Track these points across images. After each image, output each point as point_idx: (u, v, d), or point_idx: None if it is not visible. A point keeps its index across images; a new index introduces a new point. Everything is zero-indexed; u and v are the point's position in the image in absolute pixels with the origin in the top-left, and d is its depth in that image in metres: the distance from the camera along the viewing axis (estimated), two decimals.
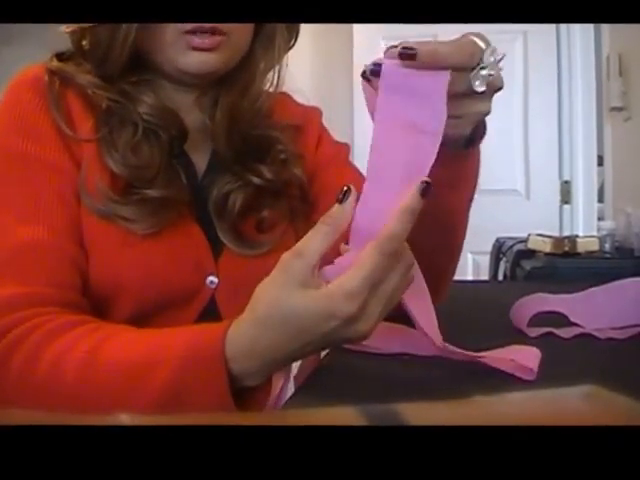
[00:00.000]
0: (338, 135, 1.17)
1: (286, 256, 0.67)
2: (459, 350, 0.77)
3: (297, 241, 1.01)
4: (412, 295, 0.73)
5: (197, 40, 0.88)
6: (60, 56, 0.94)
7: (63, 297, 0.81)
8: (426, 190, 0.67)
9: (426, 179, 0.67)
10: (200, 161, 0.98)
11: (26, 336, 0.74)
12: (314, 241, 0.67)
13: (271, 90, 1.01)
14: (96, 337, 0.74)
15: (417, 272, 0.74)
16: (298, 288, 0.66)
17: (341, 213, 0.69)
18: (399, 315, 0.76)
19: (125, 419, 0.23)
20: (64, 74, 0.91)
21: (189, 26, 0.87)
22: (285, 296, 0.66)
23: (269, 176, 0.96)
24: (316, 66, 3.92)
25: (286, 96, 1.10)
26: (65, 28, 0.92)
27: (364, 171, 1.11)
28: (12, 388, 0.74)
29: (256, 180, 0.96)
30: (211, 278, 0.93)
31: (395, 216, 0.66)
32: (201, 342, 0.70)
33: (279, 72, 1.01)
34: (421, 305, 0.76)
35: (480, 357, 0.76)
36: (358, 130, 3.77)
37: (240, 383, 0.70)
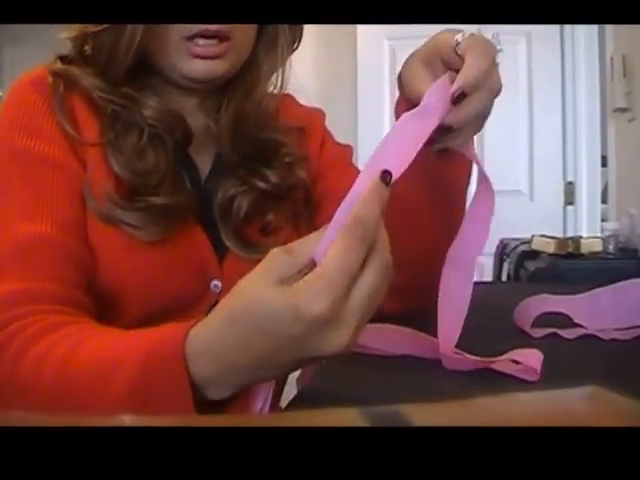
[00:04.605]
0: (342, 136, 1.16)
1: (275, 250, 0.60)
2: (462, 358, 0.77)
3: None
4: (448, 299, 0.73)
5: (201, 48, 0.88)
6: (63, 59, 0.94)
7: (66, 294, 0.80)
8: (385, 177, 0.63)
9: (387, 169, 0.63)
10: (204, 164, 0.98)
11: (16, 335, 0.73)
12: (309, 243, 0.60)
13: (275, 92, 1.01)
14: (75, 337, 0.71)
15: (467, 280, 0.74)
16: (275, 284, 0.58)
17: None
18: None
19: (126, 420, 0.23)
20: (68, 77, 0.90)
21: (192, 31, 0.87)
22: (259, 290, 0.58)
23: (274, 180, 0.96)
24: (320, 67, 3.92)
25: (289, 97, 1.09)
26: (68, 33, 0.91)
27: None
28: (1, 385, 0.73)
29: (261, 184, 0.95)
30: (215, 282, 0.93)
31: (360, 200, 0.60)
32: (163, 339, 0.64)
33: (283, 74, 1.00)
34: (453, 312, 0.77)
35: (483, 365, 0.76)
36: (362, 131, 3.77)
37: (204, 391, 0.62)
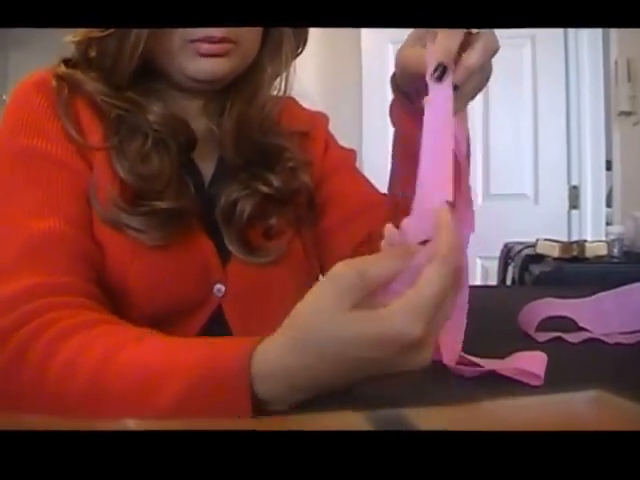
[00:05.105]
0: (346, 140, 1.16)
1: (345, 273, 0.59)
2: (466, 368, 0.77)
3: (304, 249, 1.02)
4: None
5: (206, 46, 0.88)
6: (67, 62, 0.93)
7: (82, 287, 0.80)
8: (450, 206, 0.65)
9: (449, 200, 0.65)
10: (207, 169, 0.98)
11: (44, 329, 0.72)
12: (377, 268, 0.60)
13: (279, 96, 1.01)
14: (111, 341, 0.71)
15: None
16: (350, 309, 0.58)
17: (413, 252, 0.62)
18: None
19: (131, 424, 0.23)
20: (72, 81, 0.90)
21: (197, 35, 0.87)
22: (333, 316, 0.58)
23: (277, 184, 0.96)
24: (324, 70, 3.92)
25: (292, 101, 1.09)
26: (72, 37, 0.91)
27: (371, 178, 1.12)
28: (26, 381, 0.72)
29: (264, 188, 0.95)
30: (218, 286, 0.93)
31: (443, 231, 0.61)
32: (224, 354, 0.64)
33: (287, 78, 1.00)
34: (452, 323, 0.77)
35: (486, 370, 0.76)
36: (366, 135, 3.77)
37: (263, 406, 0.63)
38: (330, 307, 0.58)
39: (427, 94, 0.74)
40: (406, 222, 0.66)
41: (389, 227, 0.66)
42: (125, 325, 0.76)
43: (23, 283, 0.77)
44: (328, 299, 0.59)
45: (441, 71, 0.72)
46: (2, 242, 0.81)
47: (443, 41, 0.72)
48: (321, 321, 0.59)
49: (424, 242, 0.63)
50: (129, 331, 0.74)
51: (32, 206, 0.83)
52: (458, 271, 0.60)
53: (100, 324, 0.74)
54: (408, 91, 0.86)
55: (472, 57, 0.73)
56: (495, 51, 0.75)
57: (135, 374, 0.67)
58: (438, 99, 0.72)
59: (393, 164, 0.96)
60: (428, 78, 0.73)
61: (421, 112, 0.76)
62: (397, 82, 0.87)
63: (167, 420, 0.24)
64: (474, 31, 0.74)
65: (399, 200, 0.98)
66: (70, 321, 0.73)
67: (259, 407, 0.62)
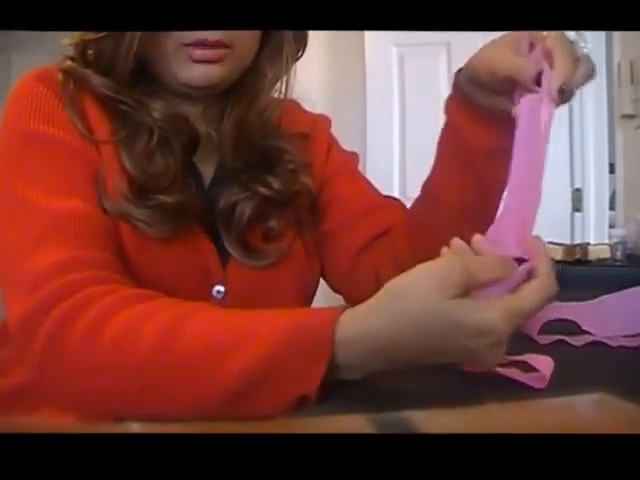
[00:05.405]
0: (350, 144, 1.16)
1: (454, 262, 0.66)
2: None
3: (305, 251, 1.02)
4: None
5: (199, 52, 0.88)
6: (72, 59, 0.93)
7: (113, 262, 0.81)
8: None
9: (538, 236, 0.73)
10: (207, 171, 0.98)
11: (93, 301, 0.72)
12: (484, 271, 0.67)
13: (279, 99, 1.01)
14: (179, 309, 0.72)
15: None
16: (452, 298, 0.64)
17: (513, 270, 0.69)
18: None
19: (135, 427, 0.23)
20: (78, 75, 0.90)
21: (191, 38, 0.87)
22: (435, 299, 0.64)
23: (277, 187, 0.96)
24: (328, 74, 3.92)
25: (294, 104, 1.09)
26: (69, 40, 0.92)
27: (375, 181, 1.12)
28: (73, 357, 0.72)
29: (264, 190, 0.95)
30: (218, 288, 0.93)
31: (542, 259, 0.70)
32: (309, 321, 0.68)
33: (287, 81, 1.00)
34: None
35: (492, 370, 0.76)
36: (370, 139, 3.77)
37: (339, 372, 0.67)
38: (434, 290, 0.64)
39: (511, 100, 0.81)
40: (492, 231, 0.73)
41: (477, 237, 0.71)
42: (181, 300, 0.77)
43: (50, 259, 0.76)
44: (434, 283, 0.64)
45: (563, 92, 0.77)
46: (24, 221, 0.80)
47: (564, 62, 0.78)
48: (423, 298, 0.64)
49: (518, 258, 0.70)
50: (191, 303, 0.75)
51: (51, 186, 0.82)
52: (550, 298, 0.68)
53: (155, 297, 0.76)
54: (470, 90, 0.88)
55: (579, 79, 0.79)
56: (594, 76, 0.82)
57: (209, 337, 0.69)
58: (541, 113, 0.77)
59: (436, 160, 0.99)
60: (528, 88, 0.78)
61: (479, 111, 0.86)
62: (461, 79, 0.89)
63: (168, 423, 0.24)
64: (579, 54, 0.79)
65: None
66: (120, 293, 0.74)
67: (331, 374, 0.66)
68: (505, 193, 0.78)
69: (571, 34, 0.79)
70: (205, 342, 0.69)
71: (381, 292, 0.67)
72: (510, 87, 0.81)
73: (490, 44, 0.84)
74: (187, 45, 0.88)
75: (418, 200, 1.02)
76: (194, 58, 0.88)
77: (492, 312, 0.63)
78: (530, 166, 0.76)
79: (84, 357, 0.71)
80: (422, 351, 0.66)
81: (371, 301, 0.67)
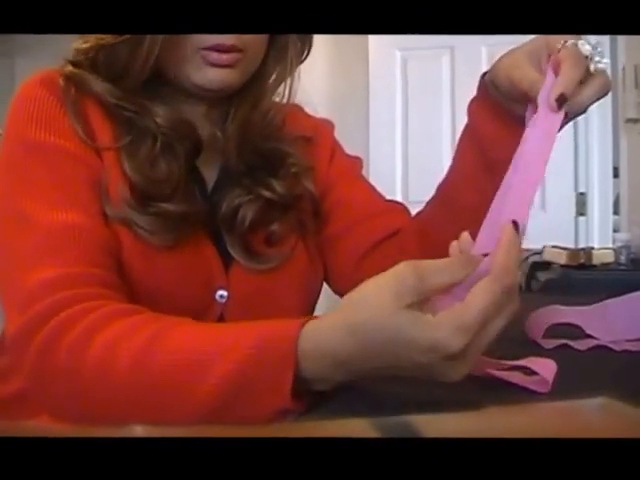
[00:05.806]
0: (353, 148, 1.16)
1: (405, 272, 0.62)
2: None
3: (308, 255, 1.02)
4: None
5: (215, 56, 0.88)
6: (74, 64, 0.93)
7: (105, 278, 0.81)
8: (517, 228, 0.67)
9: (515, 220, 0.67)
10: (210, 175, 0.98)
11: (77, 319, 0.73)
12: (438, 275, 0.63)
13: (282, 102, 1.01)
14: (156, 326, 0.73)
15: None
16: (406, 308, 0.61)
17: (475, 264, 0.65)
18: None
19: (139, 431, 0.23)
20: (80, 80, 0.90)
21: (208, 43, 0.87)
22: (389, 312, 0.62)
23: (280, 190, 0.96)
24: (331, 78, 3.93)
25: (297, 108, 1.09)
26: (82, 43, 0.91)
27: (378, 185, 1.12)
28: (59, 374, 0.73)
29: (267, 194, 0.95)
30: (221, 292, 0.93)
31: (502, 249, 0.64)
32: (273, 333, 0.68)
33: (291, 84, 1.00)
34: None
35: (494, 373, 0.76)
36: (373, 143, 3.77)
37: (307, 385, 0.67)
38: (388, 303, 0.62)
39: (526, 108, 0.81)
40: (479, 232, 0.70)
41: (464, 235, 0.69)
42: (162, 315, 0.77)
43: (44, 275, 0.77)
44: (386, 295, 0.62)
45: (562, 100, 0.76)
46: (22, 234, 0.81)
47: (568, 72, 0.76)
48: (378, 312, 0.62)
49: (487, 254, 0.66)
50: (169, 318, 0.76)
51: (50, 198, 0.83)
52: (509, 290, 0.62)
53: (136, 313, 0.76)
54: (493, 93, 0.89)
55: (588, 93, 0.79)
56: (607, 92, 0.81)
57: (184, 354, 0.70)
58: (547, 123, 0.77)
59: (454, 162, 0.99)
60: (541, 100, 0.77)
61: (501, 113, 0.87)
62: (487, 84, 0.90)
63: (172, 428, 0.24)
64: (592, 68, 0.79)
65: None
66: (104, 310, 0.75)
67: (300, 386, 0.66)
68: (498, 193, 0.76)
69: (588, 49, 0.79)
70: (179, 359, 0.70)
71: (342, 304, 0.67)
72: (526, 97, 0.81)
73: (513, 51, 0.85)
74: (203, 49, 0.88)
75: (432, 202, 1.03)
76: (210, 62, 0.89)
77: (436, 329, 0.60)
78: (528, 174, 0.75)
79: (69, 376, 0.73)
80: (382, 364, 0.65)
81: (331, 313, 0.67)
